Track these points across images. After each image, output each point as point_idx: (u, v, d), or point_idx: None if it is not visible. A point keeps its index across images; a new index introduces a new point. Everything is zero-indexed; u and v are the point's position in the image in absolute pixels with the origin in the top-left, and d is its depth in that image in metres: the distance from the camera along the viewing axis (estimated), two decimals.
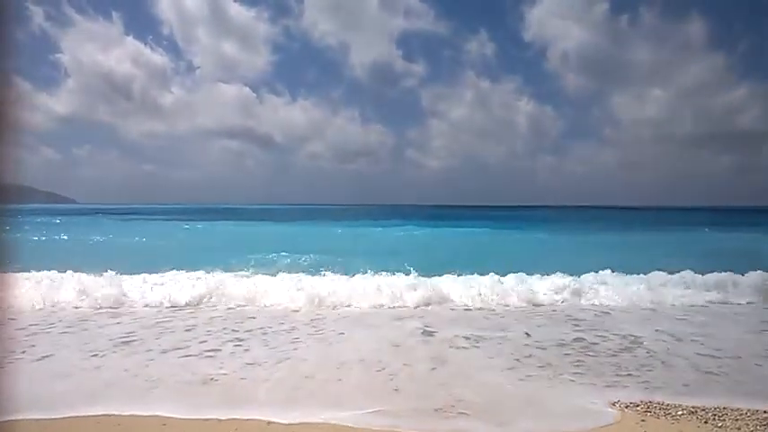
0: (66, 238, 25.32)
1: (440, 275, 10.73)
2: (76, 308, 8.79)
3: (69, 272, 10.54)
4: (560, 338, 7.11)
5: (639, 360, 6.11)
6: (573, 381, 5.37)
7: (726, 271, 11.03)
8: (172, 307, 8.91)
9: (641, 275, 11.19)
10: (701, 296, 9.97)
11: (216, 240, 27.57)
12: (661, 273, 11.27)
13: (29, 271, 10.48)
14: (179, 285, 9.81)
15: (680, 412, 4.42)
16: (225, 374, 5.48)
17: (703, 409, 4.47)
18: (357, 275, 10.73)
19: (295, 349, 6.53)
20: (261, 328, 7.60)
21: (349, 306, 9.08)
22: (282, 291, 9.60)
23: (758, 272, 10.90)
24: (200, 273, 10.99)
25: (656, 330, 7.59)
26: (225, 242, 26.23)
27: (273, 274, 11.00)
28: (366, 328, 7.74)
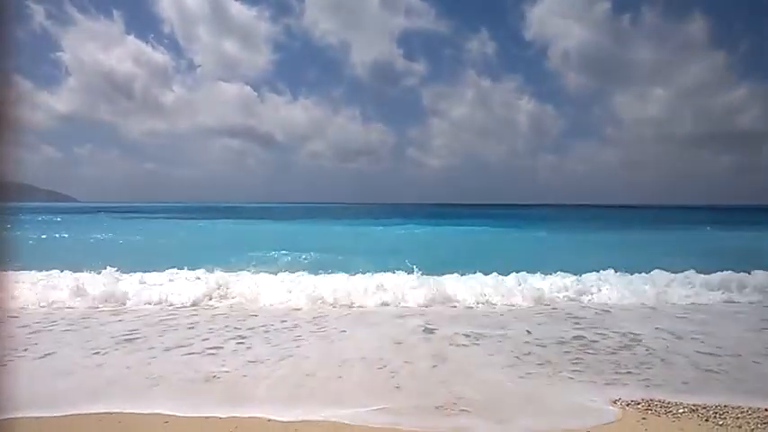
0: (67, 236, 25.36)
1: (441, 274, 10.72)
2: (77, 306, 8.80)
3: (70, 270, 10.58)
4: (561, 336, 7.11)
5: (640, 358, 6.11)
6: (572, 378, 5.37)
7: (727, 269, 11.03)
8: (174, 305, 8.91)
9: (642, 274, 11.19)
10: (702, 295, 9.96)
11: (217, 239, 27.61)
12: (662, 271, 11.26)
13: (30, 269, 10.52)
14: (181, 284, 9.85)
15: (681, 410, 4.42)
16: (227, 372, 5.49)
17: (704, 408, 4.47)
18: (358, 274, 10.73)
19: (297, 347, 6.54)
20: (263, 326, 7.61)
21: (350, 304, 9.08)
22: (284, 289, 9.61)
23: (759, 271, 10.91)
24: (202, 271, 11.00)
25: (657, 329, 7.58)
26: (226, 240, 26.26)
27: (275, 273, 11.02)
28: (368, 326, 7.75)
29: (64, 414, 4.36)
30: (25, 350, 6.24)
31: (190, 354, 6.19)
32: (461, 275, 10.69)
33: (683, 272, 11.16)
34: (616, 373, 5.56)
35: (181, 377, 5.33)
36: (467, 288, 9.80)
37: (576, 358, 6.10)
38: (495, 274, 10.58)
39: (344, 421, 4.23)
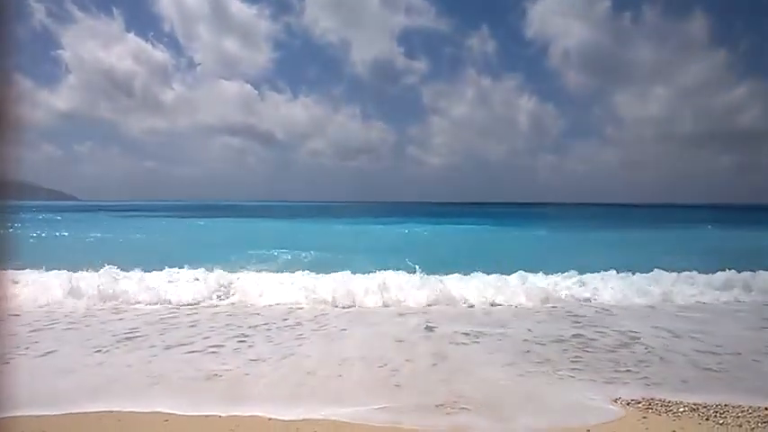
0: (67, 235, 25.38)
1: (441, 273, 10.71)
2: (78, 305, 8.78)
3: (70, 269, 10.55)
4: (560, 335, 7.11)
5: (639, 357, 6.11)
6: (573, 377, 5.37)
7: (727, 268, 11.04)
8: (174, 304, 8.91)
9: (643, 274, 11.18)
10: (702, 294, 9.96)
11: (217, 237, 27.63)
12: (662, 271, 11.26)
13: (30, 268, 10.50)
14: (181, 282, 9.83)
15: (681, 409, 4.42)
16: (227, 371, 5.49)
17: (705, 406, 4.47)
18: (359, 273, 10.72)
19: (299, 345, 6.55)
20: (264, 325, 7.62)
21: (351, 303, 9.07)
22: (285, 288, 9.61)
23: (760, 270, 10.90)
24: (203, 270, 10.98)
25: (657, 327, 7.58)
26: (226, 239, 26.27)
27: (276, 272, 11.02)
28: (368, 325, 7.75)
29: (64, 412, 4.36)
30: (26, 348, 6.24)
31: (190, 352, 6.19)
32: (462, 275, 10.68)
33: (683, 271, 11.16)
34: (616, 371, 5.56)
35: (181, 376, 5.33)
36: (467, 287, 9.80)
37: (577, 357, 6.10)
38: (494, 273, 10.56)
39: (345, 420, 4.23)
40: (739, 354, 6.27)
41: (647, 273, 11.20)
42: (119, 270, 10.56)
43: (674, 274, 11.08)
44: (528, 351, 6.35)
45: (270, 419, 4.23)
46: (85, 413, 4.36)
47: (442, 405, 4.55)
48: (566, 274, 10.89)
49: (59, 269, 10.60)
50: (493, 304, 9.19)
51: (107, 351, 6.22)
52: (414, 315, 8.43)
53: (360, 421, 4.20)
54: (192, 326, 7.58)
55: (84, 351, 6.20)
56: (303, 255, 15.53)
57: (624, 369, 5.65)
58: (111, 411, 4.39)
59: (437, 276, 10.45)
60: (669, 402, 4.59)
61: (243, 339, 6.81)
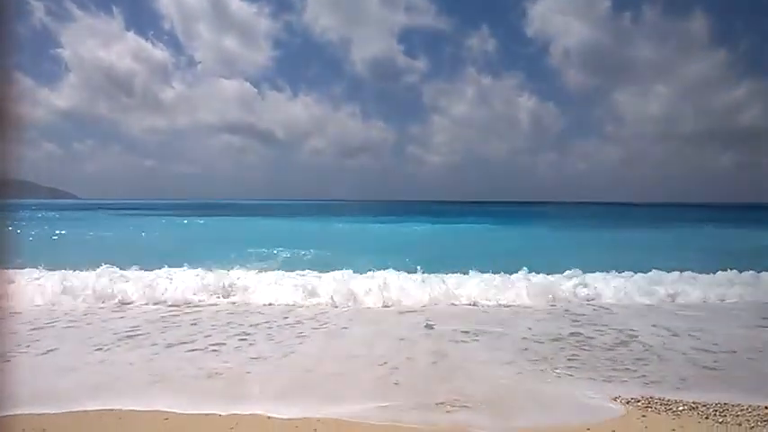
0: (67, 233, 25.37)
1: (441, 272, 10.72)
2: (78, 304, 8.79)
3: (71, 268, 10.58)
4: (560, 333, 7.12)
5: (638, 355, 6.12)
6: (572, 375, 5.38)
7: (726, 267, 11.05)
8: (176, 303, 8.90)
9: (643, 273, 11.18)
10: (702, 293, 9.94)
11: (218, 236, 27.62)
12: (662, 269, 11.26)
13: (31, 267, 10.50)
14: (182, 281, 9.82)
15: (681, 408, 4.43)
16: (228, 369, 5.49)
17: (704, 405, 4.47)
18: (359, 272, 10.73)
19: (300, 344, 6.56)
20: (266, 323, 7.63)
21: (351, 302, 9.07)
22: (286, 287, 9.61)
23: (759, 270, 10.91)
24: (204, 268, 10.98)
25: (656, 326, 7.59)
26: (227, 238, 26.27)
27: (276, 270, 11.03)
28: (369, 323, 7.76)
29: (65, 410, 4.37)
30: (27, 346, 6.25)
31: (191, 351, 6.19)
32: (461, 273, 10.69)
33: (682, 271, 11.16)
34: (615, 370, 5.57)
35: (182, 374, 5.34)
36: (466, 286, 9.80)
37: (576, 355, 6.10)
38: (494, 272, 10.56)
39: (345, 418, 4.23)
40: (735, 352, 6.29)
41: (646, 272, 11.20)
42: (118, 269, 10.59)
43: (674, 273, 11.08)
44: (528, 349, 6.35)
45: (269, 418, 4.24)
46: (86, 411, 4.36)
47: (442, 403, 4.55)
48: (566, 273, 10.90)
49: (59, 268, 10.61)
50: (493, 303, 9.19)
51: (108, 349, 6.23)
52: (414, 314, 8.44)
53: (359, 419, 4.21)
54: (194, 324, 7.59)
55: (85, 349, 6.21)
56: (303, 253, 15.54)
57: (623, 368, 5.65)
58: (112, 410, 4.40)
59: (437, 275, 10.47)
60: (669, 401, 4.60)
61: (244, 338, 6.83)
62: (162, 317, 8.03)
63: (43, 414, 4.27)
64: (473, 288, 9.67)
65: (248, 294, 9.40)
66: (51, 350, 6.16)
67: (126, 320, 7.78)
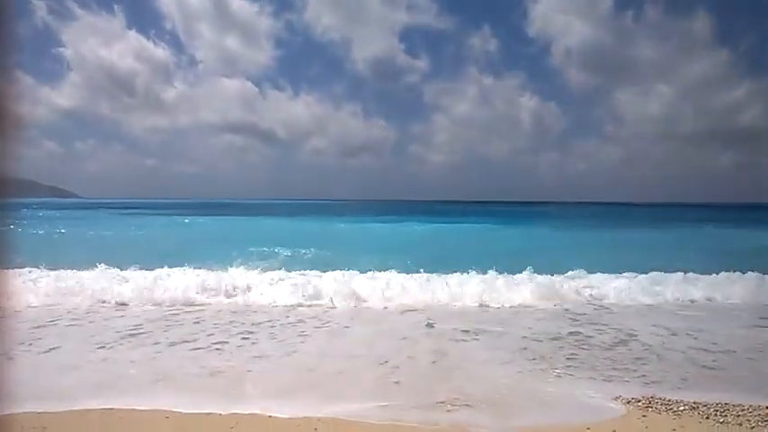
0: (68, 232, 25.39)
1: (442, 271, 10.72)
2: (80, 303, 8.79)
3: (71, 267, 10.59)
4: (560, 333, 7.12)
5: (638, 355, 6.12)
6: (573, 375, 5.37)
7: (727, 268, 11.04)
8: (177, 302, 8.89)
9: (643, 273, 11.16)
10: (702, 293, 9.91)
11: (219, 235, 27.62)
12: (662, 269, 11.24)
13: (31, 266, 10.50)
14: (184, 281, 9.81)
15: (681, 407, 4.42)
16: (230, 368, 5.50)
17: (705, 405, 4.47)
18: (360, 271, 10.72)
19: (302, 343, 6.59)
20: (268, 322, 7.66)
21: (352, 301, 9.06)
22: (287, 286, 9.60)
23: (759, 271, 10.89)
24: (206, 268, 10.97)
25: (658, 327, 7.59)
26: (228, 237, 26.27)
27: (278, 269, 11.02)
28: (370, 323, 7.77)
29: (66, 409, 4.38)
30: (30, 345, 6.26)
31: (193, 350, 6.20)
32: (463, 273, 10.67)
33: (682, 271, 11.14)
34: (616, 369, 5.57)
35: (184, 372, 5.35)
36: (468, 285, 9.79)
37: (576, 355, 6.10)
38: (495, 272, 10.55)
39: (345, 417, 4.23)
40: (735, 352, 6.30)
41: (647, 272, 11.18)
42: (119, 269, 10.60)
43: (675, 274, 11.06)
44: (528, 349, 6.35)
45: (270, 417, 4.24)
46: (87, 410, 4.37)
47: (442, 402, 4.55)
48: (566, 272, 10.89)
49: (60, 267, 10.62)
50: (493, 303, 9.18)
51: (110, 348, 6.24)
52: (415, 313, 8.44)
53: (360, 419, 4.21)
54: (196, 323, 7.61)
55: (87, 347, 6.22)
56: (305, 253, 15.54)
57: (624, 367, 5.65)
58: (113, 408, 4.40)
59: (438, 275, 10.47)
60: (669, 401, 4.59)
61: (246, 336, 6.85)
62: (164, 316, 8.04)
63: (45, 412, 4.27)
64: (474, 288, 9.65)
65: (250, 294, 9.39)
66: (53, 348, 6.18)
67: (128, 319, 7.79)
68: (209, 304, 8.90)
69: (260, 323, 7.62)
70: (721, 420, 4.17)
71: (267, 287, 9.65)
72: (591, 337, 7.00)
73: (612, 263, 11.61)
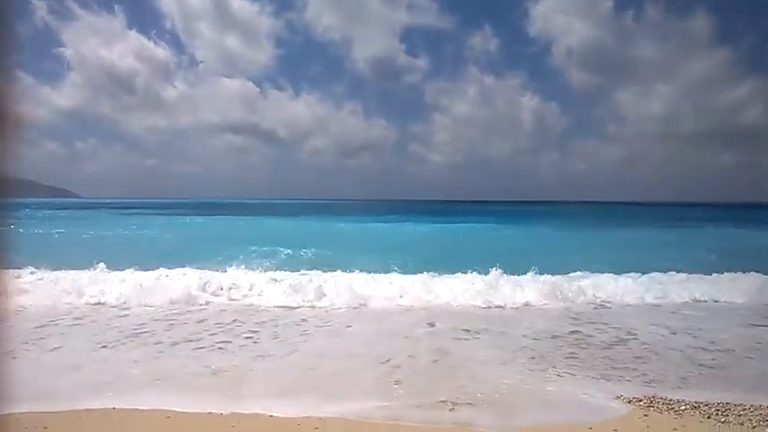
0: (69, 232, 25.39)
1: (442, 271, 10.72)
2: (81, 303, 8.79)
3: (72, 267, 10.59)
4: (561, 333, 7.13)
5: (638, 354, 6.11)
6: (574, 375, 5.37)
7: (728, 268, 11.04)
8: (178, 302, 8.89)
9: (644, 272, 11.16)
10: (703, 293, 9.88)
11: (219, 235, 27.61)
12: (663, 269, 11.25)
13: (32, 266, 10.50)
14: (186, 280, 9.81)
15: (683, 407, 4.42)
16: (231, 368, 5.50)
17: (706, 405, 4.46)
18: (362, 271, 10.71)
19: (303, 342, 6.60)
20: (271, 321, 7.68)
21: (354, 301, 9.05)
22: (288, 286, 9.58)
23: (759, 271, 10.89)
24: (207, 268, 10.97)
25: (658, 326, 7.59)
26: (228, 237, 26.25)
27: (279, 269, 11.03)
28: (372, 322, 7.78)
29: (67, 409, 4.37)
30: (33, 344, 6.27)
31: (195, 349, 6.21)
32: (464, 273, 10.67)
33: (683, 271, 11.14)
34: (618, 369, 5.56)
35: (185, 372, 5.35)
36: (469, 285, 9.79)
37: (578, 355, 6.10)
38: (496, 271, 10.54)
39: (346, 417, 4.23)
40: (733, 351, 6.32)
41: (648, 272, 11.19)
42: (120, 268, 10.60)
43: (675, 273, 11.07)
44: (529, 348, 6.35)
45: (271, 416, 4.24)
46: (88, 410, 4.37)
47: (444, 402, 4.55)
48: (567, 272, 10.89)
49: (61, 267, 10.63)
50: (495, 302, 9.17)
51: (113, 347, 6.25)
52: (416, 313, 8.45)
53: (361, 418, 4.21)
54: (198, 322, 7.63)
55: (89, 347, 6.23)
56: (305, 253, 15.53)
57: (625, 366, 5.65)
58: (114, 408, 4.40)
59: (439, 274, 10.48)
60: (671, 400, 4.59)
61: (249, 335, 6.87)
62: (166, 316, 8.04)
63: (46, 412, 4.27)
64: (475, 287, 9.65)
65: (250, 293, 9.40)
66: (56, 348, 6.18)
67: (130, 319, 7.80)
68: (211, 304, 8.90)
69: (263, 322, 7.64)
70: (723, 420, 4.16)
71: (268, 287, 9.65)
72: (592, 336, 7.00)
73: (613, 262, 11.60)
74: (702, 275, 10.85)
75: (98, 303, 8.75)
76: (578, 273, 10.94)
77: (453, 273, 10.69)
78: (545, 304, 9.13)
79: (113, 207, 73.17)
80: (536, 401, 4.63)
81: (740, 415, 4.25)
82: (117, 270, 10.54)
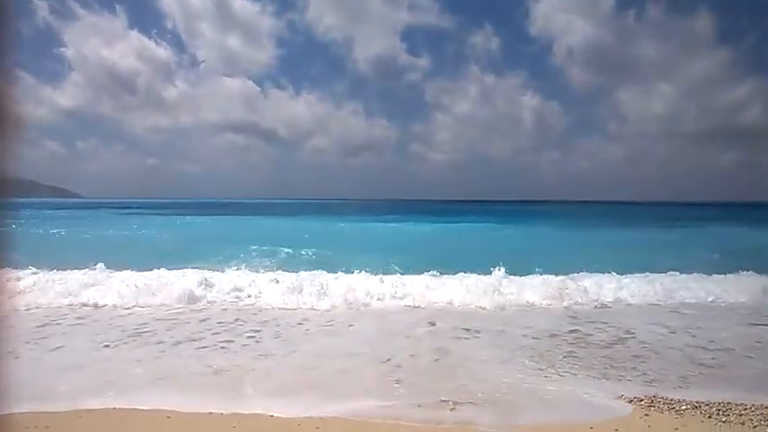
0: (71, 233, 25.41)
1: (443, 271, 10.72)
2: (86, 302, 8.79)
3: (73, 267, 10.59)
4: (562, 333, 7.12)
5: (637, 353, 6.11)
6: (576, 375, 5.37)
7: (731, 267, 11.02)
8: (179, 302, 8.89)
9: (646, 272, 11.14)
10: (709, 294, 9.85)
11: (221, 235, 27.63)
12: (664, 269, 11.23)
13: (33, 266, 10.50)
14: (188, 280, 9.80)
15: (684, 407, 4.41)
16: (233, 368, 5.51)
17: (707, 404, 4.45)
18: (363, 271, 10.69)
19: (305, 342, 6.61)
20: (273, 321, 7.70)
21: (355, 301, 9.04)
22: (289, 286, 9.57)
23: (758, 271, 10.88)
24: (207, 268, 10.96)
25: (658, 325, 7.59)
26: (229, 237, 26.26)
27: (280, 269, 11.03)
28: (373, 322, 7.79)
29: (68, 409, 4.38)
30: (35, 344, 6.28)
31: (197, 349, 6.21)
32: (464, 273, 10.66)
33: (684, 270, 11.12)
34: (619, 369, 5.56)
35: (185, 372, 5.35)
36: (470, 285, 9.77)
37: (578, 354, 6.10)
38: (497, 271, 10.52)
39: (347, 416, 4.23)
40: (732, 350, 6.34)
41: (649, 272, 11.17)
42: (122, 268, 10.61)
43: (676, 273, 11.05)
44: (530, 348, 6.35)
45: (272, 416, 4.24)
46: (89, 410, 4.37)
47: (445, 401, 4.55)
48: (568, 272, 10.86)
49: (62, 267, 10.62)
50: (496, 302, 9.15)
51: (115, 347, 6.26)
52: (417, 312, 8.46)
53: (363, 417, 4.21)
54: (201, 321, 7.66)
55: (91, 347, 6.24)
56: (307, 253, 15.54)
57: (626, 366, 5.65)
58: (115, 408, 4.41)
59: (439, 274, 10.48)
60: (672, 400, 4.59)
61: (252, 335, 6.89)
62: (167, 315, 8.05)
63: (47, 412, 4.28)
64: (476, 287, 9.64)
65: (252, 293, 9.39)
66: (58, 348, 6.19)
67: (132, 318, 7.81)
68: (213, 303, 8.91)
69: (265, 321, 7.65)
70: (724, 420, 4.16)
71: (270, 287, 9.64)
72: (592, 335, 7.00)
73: (614, 262, 11.56)
74: (703, 275, 10.83)
75: (100, 303, 8.74)
76: (579, 273, 10.90)
77: (454, 272, 10.68)
78: (545, 304, 9.11)
79: (114, 207, 73.24)
80: (537, 401, 4.63)
81: (741, 414, 4.24)
82: (118, 270, 10.55)
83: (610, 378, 5.27)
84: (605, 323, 7.72)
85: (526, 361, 5.83)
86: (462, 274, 10.61)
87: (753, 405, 4.45)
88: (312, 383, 5.06)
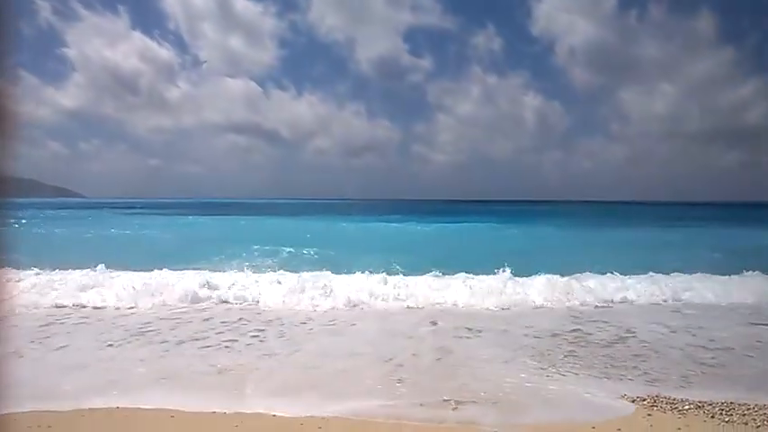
0: (74, 233, 25.47)
1: (445, 271, 10.72)
2: (86, 302, 8.81)
3: (74, 267, 10.62)
4: (563, 332, 7.12)
5: (640, 353, 6.10)
6: (578, 375, 5.37)
7: (734, 267, 11.01)
8: (181, 302, 8.90)
9: (647, 272, 11.12)
10: (711, 293, 9.84)
11: (222, 235, 27.64)
12: (668, 271, 11.21)
13: (35, 266, 10.52)
14: (190, 280, 9.82)
15: (687, 407, 4.40)
16: (237, 367, 5.52)
17: (710, 404, 4.45)
18: (365, 271, 10.69)
19: (308, 341, 6.63)
20: (277, 320, 7.73)
21: (357, 301, 9.05)
22: (291, 286, 9.58)
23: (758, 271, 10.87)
24: (210, 268, 10.98)
25: (659, 324, 7.58)
26: (231, 237, 26.26)
27: (282, 269, 11.04)
28: (375, 322, 7.80)
29: (71, 408, 4.39)
30: (39, 343, 6.30)
31: (200, 348, 6.23)
32: (467, 273, 10.66)
33: (689, 271, 11.10)
34: (621, 368, 5.56)
35: (190, 371, 5.37)
36: (472, 285, 9.77)
37: (580, 354, 6.09)
38: (499, 271, 10.51)
39: (349, 416, 4.23)
40: (732, 349, 6.36)
41: (651, 272, 11.15)
42: (124, 268, 10.63)
43: (679, 273, 11.03)
44: (532, 348, 6.35)
45: (274, 416, 4.24)
46: (92, 409, 4.39)
47: (447, 400, 4.55)
48: (570, 272, 10.84)
49: (64, 267, 10.65)
50: (498, 302, 9.15)
51: (119, 346, 6.27)
52: (419, 312, 8.46)
53: (365, 417, 4.21)
54: (204, 321, 7.69)
55: (95, 346, 6.26)
56: (309, 253, 15.55)
57: (628, 366, 5.64)
58: (118, 407, 4.42)
59: (441, 274, 10.47)
60: (674, 400, 4.58)
61: (255, 334, 6.92)
62: (171, 315, 8.07)
63: (50, 411, 4.29)
64: (478, 287, 9.64)
65: (255, 293, 9.39)
66: (61, 347, 6.21)
67: (135, 318, 7.84)
68: (216, 303, 8.92)
69: (269, 321, 7.69)
70: (726, 419, 4.15)
71: (273, 286, 9.65)
72: (593, 335, 6.99)
73: (616, 262, 11.56)
74: (705, 275, 10.81)
75: (103, 303, 8.75)
76: (581, 273, 10.88)
77: (456, 273, 10.68)
78: (547, 304, 9.11)
79: (117, 207, 73.33)
80: (539, 400, 4.63)
81: (744, 414, 4.23)
82: (121, 270, 10.57)
83: (611, 378, 5.27)
84: (606, 322, 7.73)
85: (528, 360, 5.83)
86: (465, 274, 10.61)
87: (756, 405, 4.44)
88: (314, 383, 5.07)
